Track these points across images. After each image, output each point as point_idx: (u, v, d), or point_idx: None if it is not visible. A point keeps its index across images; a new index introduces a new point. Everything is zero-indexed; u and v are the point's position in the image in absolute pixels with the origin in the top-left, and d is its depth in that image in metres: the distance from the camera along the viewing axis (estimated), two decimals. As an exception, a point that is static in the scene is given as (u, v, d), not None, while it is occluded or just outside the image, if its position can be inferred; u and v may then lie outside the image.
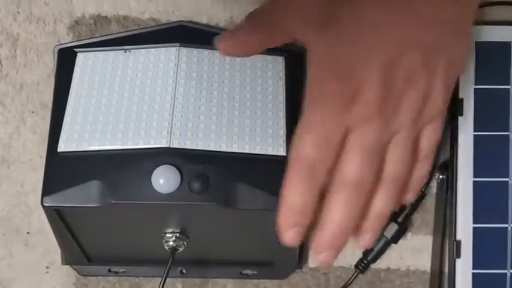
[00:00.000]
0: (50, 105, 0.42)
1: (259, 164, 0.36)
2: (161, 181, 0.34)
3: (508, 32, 0.41)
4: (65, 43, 0.41)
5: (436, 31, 0.27)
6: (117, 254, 0.42)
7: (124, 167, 0.35)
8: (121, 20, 0.42)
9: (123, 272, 0.43)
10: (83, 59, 0.40)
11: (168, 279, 0.44)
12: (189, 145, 0.36)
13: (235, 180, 0.35)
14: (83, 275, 0.44)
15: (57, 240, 0.40)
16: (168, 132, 0.36)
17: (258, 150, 0.36)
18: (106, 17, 0.42)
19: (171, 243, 0.38)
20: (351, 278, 0.43)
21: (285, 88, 0.39)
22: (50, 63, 0.42)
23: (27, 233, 0.43)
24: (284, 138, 0.37)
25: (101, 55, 0.40)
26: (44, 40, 0.42)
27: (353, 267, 0.44)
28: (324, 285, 0.44)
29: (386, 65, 0.27)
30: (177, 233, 0.38)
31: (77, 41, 0.41)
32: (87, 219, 0.37)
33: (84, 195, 0.35)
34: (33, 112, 0.42)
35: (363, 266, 0.43)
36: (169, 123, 0.36)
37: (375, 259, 0.43)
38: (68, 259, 0.42)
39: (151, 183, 0.35)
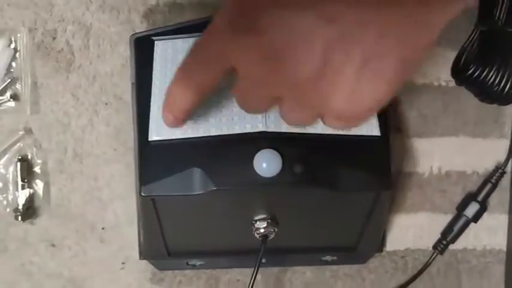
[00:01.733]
0: (125, 97, 0.42)
1: (355, 145, 0.36)
2: (264, 165, 0.34)
3: None
4: (141, 32, 0.40)
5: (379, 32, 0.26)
6: (198, 246, 0.41)
7: (224, 153, 0.34)
8: (195, 6, 0.41)
9: (201, 264, 0.43)
10: (161, 47, 0.39)
11: (246, 270, 0.43)
12: (285, 128, 0.35)
13: (335, 162, 0.35)
14: (160, 269, 0.43)
15: (144, 233, 0.39)
16: (262, 117, 0.35)
17: (353, 131, 0.36)
18: (181, 4, 0.41)
19: (262, 230, 0.38)
20: (429, 260, 0.43)
21: None
22: (124, 53, 0.41)
23: (102, 228, 0.42)
24: (376, 118, 0.37)
25: (179, 42, 0.39)
26: (117, 29, 0.41)
27: (431, 248, 0.44)
28: (402, 268, 0.44)
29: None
30: (268, 219, 0.37)
31: (152, 29, 0.40)
32: (180, 208, 0.36)
33: (185, 184, 0.34)
34: (106, 104, 0.41)
35: (441, 246, 0.43)
36: (263, 107, 0.36)
37: (454, 239, 0.43)
38: (147, 253, 0.41)
39: (253, 168, 0.34)
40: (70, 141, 0.41)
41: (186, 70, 0.30)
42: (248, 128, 0.35)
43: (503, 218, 0.44)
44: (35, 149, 0.41)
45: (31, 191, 0.41)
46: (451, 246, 0.44)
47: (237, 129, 0.35)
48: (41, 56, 0.41)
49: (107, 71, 0.41)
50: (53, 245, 0.42)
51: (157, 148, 0.35)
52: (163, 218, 0.37)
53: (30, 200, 0.41)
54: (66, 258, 0.42)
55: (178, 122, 0.32)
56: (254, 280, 0.38)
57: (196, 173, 0.34)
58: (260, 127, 0.35)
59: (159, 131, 0.36)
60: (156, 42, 0.39)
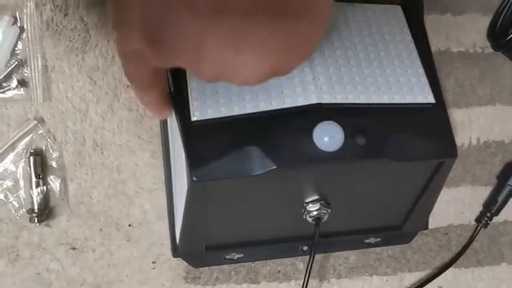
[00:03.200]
0: (148, 77, 0.38)
1: (412, 113, 0.34)
2: (326, 139, 0.31)
3: None
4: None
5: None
6: (239, 237, 0.38)
7: (279, 129, 0.31)
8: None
9: (239, 258, 0.39)
10: None
11: (287, 260, 0.40)
12: (340, 99, 0.33)
13: (398, 132, 0.32)
14: (196, 267, 0.39)
15: (186, 225, 0.35)
16: (315, 88, 0.32)
17: (408, 99, 0.34)
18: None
19: (314, 213, 0.35)
20: (474, 234, 0.42)
21: (412, 35, 0.37)
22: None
23: (129, 225, 0.38)
24: (428, 84, 0.35)
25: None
26: (136, 3, 0.37)
27: (473, 222, 0.42)
28: (446, 246, 0.42)
29: None
30: (321, 200, 0.35)
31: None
32: (231, 194, 0.33)
33: (242, 165, 0.30)
34: (128, 86, 0.37)
35: (485, 219, 0.42)
36: (313, 79, 0.33)
37: (498, 211, 0.42)
38: (184, 248, 0.37)
39: (314, 142, 0.31)
40: (88, 130, 0.37)
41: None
42: (301, 101, 0.32)
43: (541, 187, 0.44)
44: (48, 140, 0.37)
45: (47, 188, 0.37)
46: (493, 219, 0.43)
47: (289, 103, 0.32)
48: (51, 36, 0.36)
49: (127, 49, 0.37)
50: (74, 248, 0.38)
51: (203, 128, 0.32)
52: (211, 206, 0.34)
53: (46, 198, 0.37)
54: (90, 261, 0.38)
55: (162, 113, 0.32)
56: (311, 266, 0.35)
57: (254, 152, 0.31)
58: (314, 99, 0.32)
59: (201, 110, 0.32)
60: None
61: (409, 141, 0.32)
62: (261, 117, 0.32)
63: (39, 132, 0.36)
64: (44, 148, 0.36)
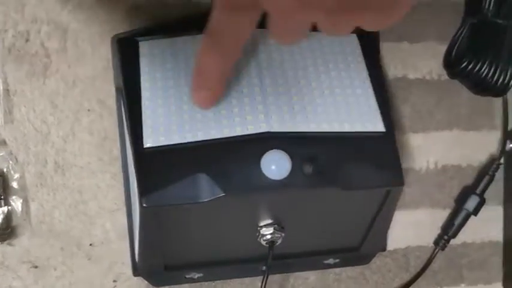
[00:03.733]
0: (109, 101, 0.39)
1: (362, 141, 0.34)
2: (273, 167, 0.32)
3: None
4: (123, 32, 0.37)
5: None
6: (198, 257, 0.39)
7: (228, 156, 0.32)
8: (180, 4, 0.39)
9: (199, 277, 0.40)
10: (148, 48, 0.36)
11: (246, 280, 0.41)
12: (290, 127, 0.34)
13: (345, 161, 0.33)
14: (156, 286, 0.40)
15: (142, 246, 0.36)
16: (265, 117, 0.33)
17: (358, 128, 0.35)
18: (165, 2, 0.38)
19: (268, 236, 0.36)
20: (431, 256, 0.43)
21: (366, 63, 0.38)
22: (106, 54, 0.38)
23: (90, 245, 0.39)
24: (379, 113, 0.36)
25: (167, 42, 0.36)
26: (97, 30, 0.38)
27: (432, 244, 0.43)
28: (405, 267, 0.43)
29: None
30: (274, 225, 0.36)
31: (136, 29, 0.38)
32: (183, 218, 0.34)
33: (190, 191, 0.31)
34: (89, 110, 0.38)
35: (443, 242, 0.43)
36: (264, 107, 0.34)
37: (455, 234, 0.43)
38: (143, 268, 0.38)
39: (261, 170, 0.32)
40: (50, 152, 0.38)
41: (214, 34, 0.30)
42: (251, 129, 0.33)
43: (499, 210, 0.44)
44: (10, 162, 0.37)
45: (8, 208, 0.37)
46: (451, 241, 0.44)
47: (239, 131, 0.33)
48: (13, 60, 0.37)
49: (87, 74, 0.38)
50: (36, 267, 0.38)
51: (154, 155, 0.33)
52: (165, 228, 0.34)
53: (8, 218, 0.38)
54: (52, 280, 0.39)
55: (213, 97, 0.32)
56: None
57: (202, 180, 0.32)
58: (264, 127, 0.33)
59: (154, 137, 0.33)
60: (140, 43, 0.36)
61: (357, 170, 0.33)
62: (212, 145, 0.33)
63: (1, 154, 0.37)
64: (5, 169, 0.37)
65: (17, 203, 0.38)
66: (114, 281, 0.39)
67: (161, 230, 0.34)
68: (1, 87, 0.37)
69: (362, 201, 0.36)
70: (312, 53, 0.37)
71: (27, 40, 0.37)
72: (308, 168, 0.32)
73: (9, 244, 0.38)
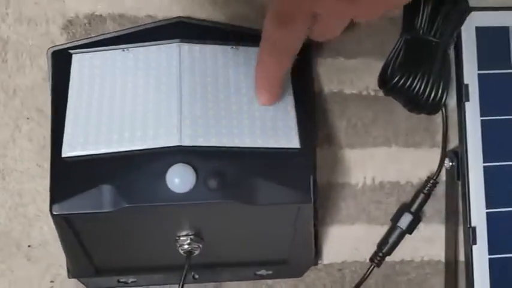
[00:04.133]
0: (46, 110, 0.41)
1: (274, 157, 0.35)
2: (176, 181, 0.33)
3: (506, 17, 0.42)
4: (59, 45, 0.39)
5: None
6: (127, 263, 0.40)
7: (135, 168, 0.34)
8: (117, 19, 0.40)
9: (133, 282, 0.42)
10: (79, 61, 0.38)
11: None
12: (201, 142, 0.35)
13: (252, 176, 0.34)
14: (90, 288, 0.42)
15: (65, 252, 0.37)
16: (178, 130, 0.35)
17: (271, 143, 0.35)
18: (101, 15, 0.40)
19: (185, 246, 0.37)
20: (366, 273, 0.43)
21: (292, 78, 0.38)
22: (44, 66, 0.40)
23: (29, 246, 0.41)
24: (296, 129, 0.36)
25: (97, 55, 0.38)
26: (36, 42, 0.40)
27: (368, 261, 0.43)
28: (340, 281, 0.43)
29: None
30: (191, 235, 0.37)
31: (72, 42, 0.39)
32: (97, 226, 0.35)
33: (96, 201, 0.33)
34: (28, 118, 0.40)
35: (378, 259, 0.42)
36: (178, 120, 0.35)
37: (390, 251, 0.42)
38: (75, 272, 0.40)
39: (165, 183, 0.33)
40: (-9, 157, 0.41)
41: (271, 37, 0.33)
42: (162, 143, 0.34)
43: (440, 228, 0.44)
44: (-46, 166, 0.40)
45: (-49, 209, 0.40)
46: (389, 258, 0.43)
47: (151, 144, 0.34)
48: (-44, 71, 0.40)
49: (27, 84, 0.40)
50: (-23, 265, 0.41)
51: (70, 164, 0.34)
52: (83, 236, 0.36)
53: (-49, 218, 0.40)
54: (-9, 278, 0.41)
55: (274, 96, 0.36)
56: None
57: (108, 190, 0.33)
58: (175, 141, 0.34)
59: (72, 146, 0.35)
60: (73, 55, 0.38)
61: (263, 186, 0.34)
62: (124, 156, 0.34)
63: None
64: (-51, 172, 0.40)
65: (-40, 204, 0.40)
66: (52, 281, 0.41)
67: (78, 237, 0.36)
68: None
69: (274, 217, 0.36)
70: (236, 67, 0.38)
71: (-30, 51, 0.40)
72: (212, 183, 0.33)
73: (-47, 242, 0.41)
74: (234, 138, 0.35)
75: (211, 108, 0.36)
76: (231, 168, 0.34)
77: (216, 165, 0.34)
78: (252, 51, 0.38)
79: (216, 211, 0.35)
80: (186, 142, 0.34)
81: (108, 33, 0.40)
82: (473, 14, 0.41)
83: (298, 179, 0.35)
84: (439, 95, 0.39)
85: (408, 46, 0.39)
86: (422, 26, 0.39)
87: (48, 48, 0.39)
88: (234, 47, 0.39)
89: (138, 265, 0.40)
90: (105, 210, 0.33)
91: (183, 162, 0.33)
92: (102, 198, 0.33)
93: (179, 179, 0.33)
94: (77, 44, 0.39)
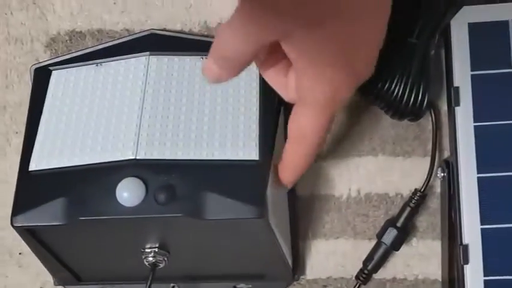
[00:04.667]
0: (33, 125, 0.43)
1: (230, 170, 0.34)
2: (125, 194, 0.33)
3: (505, 10, 0.37)
4: (41, 62, 0.41)
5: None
6: (105, 273, 0.41)
7: (89, 182, 0.34)
8: (95, 34, 0.42)
9: (115, 290, 0.42)
10: (56, 77, 0.39)
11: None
12: (155, 155, 0.34)
13: (203, 189, 0.33)
14: (75, 296, 0.43)
15: (40, 261, 0.39)
16: (134, 144, 0.35)
17: (228, 155, 0.34)
18: (81, 32, 0.42)
19: (150, 259, 0.37)
20: (352, 290, 0.40)
21: (259, 89, 0.37)
22: (30, 82, 0.42)
23: (20, 253, 0.43)
24: (257, 141, 0.35)
25: (74, 71, 0.39)
26: (23, 60, 0.42)
27: (354, 278, 0.41)
28: (324, 298, 0.41)
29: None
30: (155, 248, 0.36)
31: (53, 58, 0.41)
32: (61, 237, 0.36)
33: (52, 213, 0.34)
34: (17, 133, 0.43)
35: (364, 276, 0.40)
36: (136, 134, 0.35)
37: (376, 268, 0.40)
38: (57, 280, 0.42)
39: (115, 197, 0.33)
40: (-16, 169, 0.43)
41: (246, 15, 0.28)
42: (118, 156, 0.35)
43: (436, 244, 0.40)
44: (-49, 178, 0.43)
45: (-48, 218, 0.43)
46: (378, 276, 0.40)
47: (108, 157, 0.35)
48: (-49, 90, 0.43)
49: (15, 100, 0.42)
50: (-24, 271, 0.44)
51: (35, 178, 0.36)
52: (51, 246, 0.37)
53: (-47, 227, 0.43)
54: (-11, 283, 0.44)
55: (225, 72, 0.30)
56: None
57: (62, 203, 0.34)
58: (130, 154, 0.34)
59: (38, 160, 0.36)
60: (53, 72, 0.40)
61: (214, 200, 0.33)
62: (81, 170, 0.35)
63: None
64: None
65: (-42, 214, 0.43)
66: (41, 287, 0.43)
67: (47, 248, 0.37)
68: None
69: (231, 231, 0.35)
70: (203, 78, 0.37)
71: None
72: (161, 197, 0.33)
73: (-46, 249, 0.44)
74: (190, 151, 0.35)
75: (171, 120, 0.36)
76: (182, 182, 0.33)
77: (166, 179, 0.33)
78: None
79: (167, 225, 0.34)
80: (141, 155, 0.34)
81: (86, 48, 0.41)
82: (465, 8, 0.38)
83: (252, 192, 0.33)
84: (419, 99, 0.36)
85: (386, 48, 0.37)
86: (399, 26, 0.36)
87: (31, 66, 0.41)
88: (204, 57, 0.38)
89: (115, 275, 0.41)
90: (60, 223, 0.34)
91: (135, 176, 0.33)
92: (57, 211, 0.34)
93: (128, 192, 0.33)
94: (57, 61, 0.40)
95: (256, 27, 0.29)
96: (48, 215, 0.34)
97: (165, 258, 0.37)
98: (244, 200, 0.33)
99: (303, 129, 0.31)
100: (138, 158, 0.34)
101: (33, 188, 0.35)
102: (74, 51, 0.41)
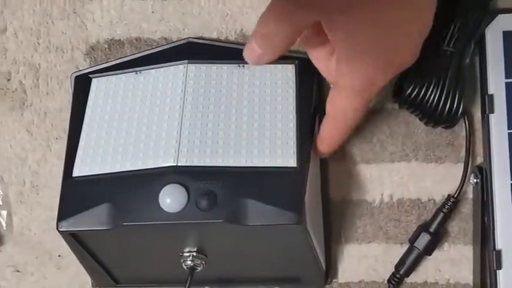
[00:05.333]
0: (72, 131, 0.44)
1: (269, 177, 0.35)
2: (168, 200, 0.34)
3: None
4: (81, 70, 0.42)
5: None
6: (143, 276, 0.42)
7: (133, 188, 0.35)
8: (134, 42, 0.43)
9: (152, 293, 0.44)
10: (97, 85, 0.40)
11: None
12: (196, 162, 0.35)
13: (243, 196, 0.34)
14: (113, 297, 0.44)
15: (81, 264, 0.40)
16: (175, 151, 0.36)
17: (267, 162, 0.35)
18: (119, 40, 0.43)
19: (188, 262, 0.38)
20: (384, 294, 0.41)
21: (296, 96, 0.38)
22: (70, 90, 0.43)
23: (59, 256, 0.45)
24: (294, 148, 0.36)
25: (114, 79, 0.40)
26: (63, 68, 0.43)
27: (386, 282, 0.41)
28: (357, 301, 0.42)
29: None
30: (193, 252, 0.38)
31: (93, 66, 0.42)
32: (104, 241, 0.37)
33: (97, 219, 0.35)
34: (57, 138, 0.44)
35: (395, 280, 0.40)
36: (177, 141, 0.36)
37: (408, 273, 0.40)
38: (96, 282, 0.43)
39: (158, 203, 0.34)
40: (27, 174, 0.44)
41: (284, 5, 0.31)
42: (160, 162, 0.36)
43: (468, 249, 0.41)
44: (-4, 182, 0.45)
45: (-4, 220, 0.45)
46: (410, 280, 0.41)
47: (150, 164, 0.36)
48: (-2, 97, 0.44)
49: (56, 107, 0.44)
50: (18, 271, 0.45)
51: (79, 184, 0.37)
52: (94, 250, 0.38)
53: (-4, 229, 0.45)
54: (30, 283, 0.45)
55: (263, 58, 0.34)
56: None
57: (107, 208, 0.35)
58: (171, 161, 0.35)
59: (82, 167, 0.37)
60: (92, 79, 0.41)
61: (254, 206, 0.34)
62: (125, 176, 0.36)
63: (-10, 175, 0.45)
64: (-8, 188, 0.45)
65: (3, 216, 0.45)
66: (79, 289, 0.45)
67: (90, 251, 0.38)
68: (-11, 120, 0.44)
69: (269, 237, 0.36)
70: (241, 86, 0.38)
71: (8, 79, 0.44)
72: (203, 203, 0.34)
73: (-3, 250, 0.45)
74: (229, 158, 0.35)
75: (211, 128, 0.37)
76: (223, 189, 0.34)
77: (207, 186, 0.34)
78: (257, 69, 0.39)
79: (208, 230, 0.35)
80: (182, 162, 0.35)
81: (125, 56, 0.42)
82: (500, 17, 0.38)
83: (290, 199, 0.34)
84: (454, 106, 0.37)
85: (421, 56, 0.37)
86: (435, 34, 0.36)
87: (72, 74, 0.42)
88: (241, 65, 0.39)
89: (153, 278, 0.42)
90: (104, 228, 0.35)
91: (177, 183, 0.34)
92: (101, 217, 0.35)
93: (171, 199, 0.34)
94: (96, 69, 0.42)
95: (294, 7, 0.30)
96: (92, 221, 0.35)
97: (203, 262, 0.38)
98: (283, 206, 0.34)
99: (338, 110, 0.34)
100: (179, 164, 0.35)
101: (77, 193, 0.37)
102: (113, 59, 0.42)
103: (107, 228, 0.35)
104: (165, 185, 0.34)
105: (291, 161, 0.35)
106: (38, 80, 0.44)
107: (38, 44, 0.43)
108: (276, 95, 0.38)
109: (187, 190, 0.34)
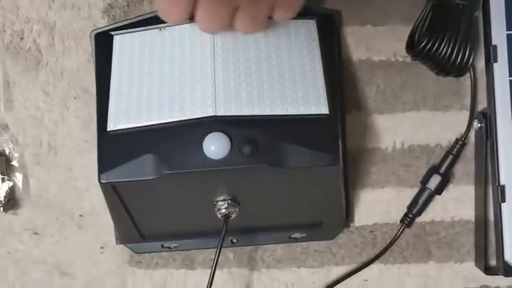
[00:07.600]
0: (91, 89, 0.44)
1: (304, 124, 0.37)
2: (212, 148, 0.35)
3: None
4: (101, 27, 0.42)
5: None
6: (170, 229, 0.43)
7: (175, 138, 0.36)
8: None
9: (175, 246, 0.45)
10: (119, 41, 0.41)
11: (219, 250, 0.45)
12: (234, 112, 0.37)
13: (283, 141, 0.36)
14: (137, 253, 0.45)
15: (113, 219, 0.41)
16: (212, 102, 0.37)
17: (301, 110, 0.37)
18: (138, -2, 0.43)
19: (223, 210, 0.39)
20: (397, 233, 0.44)
21: (320, 48, 0.40)
22: (87, 48, 0.43)
23: (80, 216, 0.45)
24: (325, 96, 0.38)
25: (136, 35, 0.41)
26: (80, 26, 0.43)
27: (398, 222, 0.45)
28: (371, 242, 0.45)
29: None
30: (228, 200, 0.39)
31: (112, 24, 0.42)
32: (142, 193, 0.38)
33: (139, 169, 0.36)
34: (75, 98, 0.44)
35: (408, 220, 0.44)
36: (213, 92, 0.37)
37: (420, 212, 0.44)
38: (122, 238, 0.43)
39: (203, 151, 0.35)
40: (44, 134, 0.44)
41: None
42: (199, 113, 0.37)
43: (470, 189, 0.45)
44: (11, 144, 0.44)
45: (11, 183, 0.44)
46: (419, 219, 0.45)
47: (188, 115, 0.37)
48: (11, 56, 0.43)
49: (73, 66, 0.43)
50: (36, 233, 0.45)
51: (115, 137, 0.37)
52: (129, 203, 0.39)
53: (11, 192, 0.44)
54: (49, 245, 0.45)
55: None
56: (217, 259, 0.39)
57: (150, 158, 0.36)
58: (210, 111, 0.37)
59: (116, 121, 0.38)
60: (114, 36, 0.41)
61: (293, 150, 0.36)
62: (164, 128, 0.37)
63: (4, 137, 0.44)
64: (8, 150, 0.44)
65: (18, 179, 0.44)
66: (102, 247, 0.45)
67: (124, 204, 0.39)
68: (2, 80, 0.43)
69: (305, 180, 0.38)
70: (267, 40, 0.40)
71: (21, 38, 0.43)
72: (246, 148, 0.36)
73: (14, 213, 0.44)
74: (265, 107, 0.37)
75: (244, 80, 0.38)
76: (263, 135, 0.36)
77: (248, 133, 0.36)
78: (281, 25, 0.40)
79: (250, 175, 0.37)
80: (221, 112, 0.37)
81: (145, 14, 0.42)
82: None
83: (326, 143, 0.36)
84: (466, 57, 0.40)
85: (435, 10, 0.40)
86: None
87: (91, 31, 0.42)
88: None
89: (180, 231, 0.43)
90: (147, 178, 0.36)
91: (218, 131, 0.36)
92: (144, 167, 0.36)
93: (215, 146, 0.35)
94: (117, 26, 0.42)
95: None
96: (135, 171, 0.36)
97: (236, 210, 0.40)
98: (321, 149, 0.36)
99: None
100: (218, 114, 0.37)
101: (114, 146, 0.37)
102: (132, 17, 0.43)
103: (150, 177, 0.36)
104: (206, 134, 0.36)
105: (323, 109, 0.37)
106: (53, 38, 0.43)
107: (53, 1, 0.43)
108: (302, 48, 0.40)
109: (230, 137, 0.36)
